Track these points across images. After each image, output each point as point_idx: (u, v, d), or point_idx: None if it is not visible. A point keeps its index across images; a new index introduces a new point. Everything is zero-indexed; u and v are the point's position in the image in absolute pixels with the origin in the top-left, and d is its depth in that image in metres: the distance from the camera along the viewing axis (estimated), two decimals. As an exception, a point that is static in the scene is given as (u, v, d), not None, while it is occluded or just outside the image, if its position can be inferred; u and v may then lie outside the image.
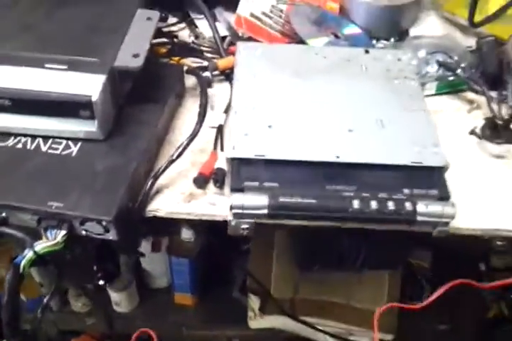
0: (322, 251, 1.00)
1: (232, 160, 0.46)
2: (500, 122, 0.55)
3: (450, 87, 0.63)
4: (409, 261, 1.02)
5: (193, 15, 0.67)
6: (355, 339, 0.96)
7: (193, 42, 0.64)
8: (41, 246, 0.42)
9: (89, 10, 0.52)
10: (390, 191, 0.45)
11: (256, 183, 0.44)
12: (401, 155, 0.47)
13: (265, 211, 0.44)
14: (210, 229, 1.02)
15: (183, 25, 0.67)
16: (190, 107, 0.58)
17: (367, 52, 0.58)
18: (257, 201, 0.44)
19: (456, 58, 0.62)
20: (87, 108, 0.44)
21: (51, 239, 0.42)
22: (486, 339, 0.99)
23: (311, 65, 0.56)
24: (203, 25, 0.66)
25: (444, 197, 0.46)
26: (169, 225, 0.96)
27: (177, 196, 0.49)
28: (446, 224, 0.46)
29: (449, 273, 1.04)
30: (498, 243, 0.87)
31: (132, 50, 0.48)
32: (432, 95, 0.62)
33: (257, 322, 0.98)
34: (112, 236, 0.44)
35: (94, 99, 0.44)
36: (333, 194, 0.45)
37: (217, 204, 0.49)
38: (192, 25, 0.66)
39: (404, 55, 0.58)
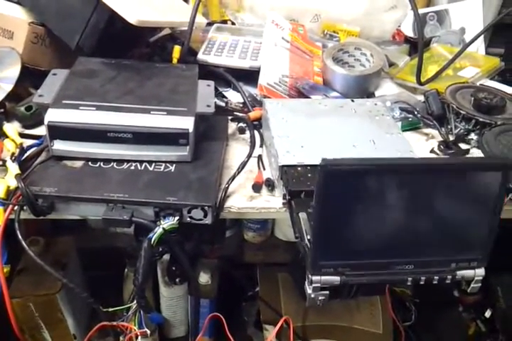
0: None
1: (282, 167, 0.66)
2: (449, 141, 0.80)
3: (410, 125, 0.84)
4: (394, 290, 1.17)
5: (220, 89, 0.92)
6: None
7: (225, 105, 0.88)
8: (167, 224, 0.60)
9: (167, 81, 0.76)
10: (440, 267, 0.54)
11: (331, 269, 0.53)
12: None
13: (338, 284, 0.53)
14: (223, 274, 1.18)
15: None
16: (232, 145, 0.79)
17: (352, 101, 0.81)
18: (332, 281, 0.53)
19: (411, 105, 0.86)
20: (185, 137, 0.65)
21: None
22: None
23: (317, 110, 0.77)
24: (229, 94, 0.91)
25: (480, 265, 0.54)
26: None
27: (242, 198, 0.68)
28: (478, 281, 0.55)
29: (429, 297, 1.24)
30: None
31: (205, 103, 0.71)
32: (398, 132, 0.84)
33: (275, 350, 1.10)
34: (208, 220, 0.62)
35: (190, 130, 0.65)
36: (394, 271, 0.54)
37: (270, 201, 0.68)
38: (220, 94, 0.91)
39: (378, 102, 0.81)
